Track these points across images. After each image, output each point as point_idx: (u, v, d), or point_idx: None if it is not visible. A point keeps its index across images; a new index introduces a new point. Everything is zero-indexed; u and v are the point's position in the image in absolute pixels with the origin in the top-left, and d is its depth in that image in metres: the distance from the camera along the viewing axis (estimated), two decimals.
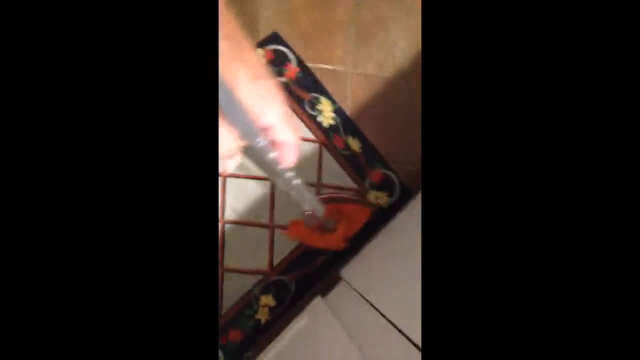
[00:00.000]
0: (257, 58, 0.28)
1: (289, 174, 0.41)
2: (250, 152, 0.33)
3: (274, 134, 0.31)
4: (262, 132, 0.30)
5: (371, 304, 0.60)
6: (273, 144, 0.33)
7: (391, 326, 0.52)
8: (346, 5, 0.84)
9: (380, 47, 0.85)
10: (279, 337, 0.70)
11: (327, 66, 0.83)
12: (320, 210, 0.63)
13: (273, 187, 0.80)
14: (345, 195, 0.83)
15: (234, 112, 0.26)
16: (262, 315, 0.79)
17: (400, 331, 0.50)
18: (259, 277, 0.80)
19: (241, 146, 0.29)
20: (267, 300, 0.80)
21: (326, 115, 0.83)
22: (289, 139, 0.32)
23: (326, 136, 0.83)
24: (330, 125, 0.83)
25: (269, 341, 0.71)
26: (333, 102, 0.83)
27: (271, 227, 0.80)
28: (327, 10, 0.83)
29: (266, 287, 0.80)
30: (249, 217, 0.80)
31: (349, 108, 0.84)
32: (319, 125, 0.83)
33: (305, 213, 0.68)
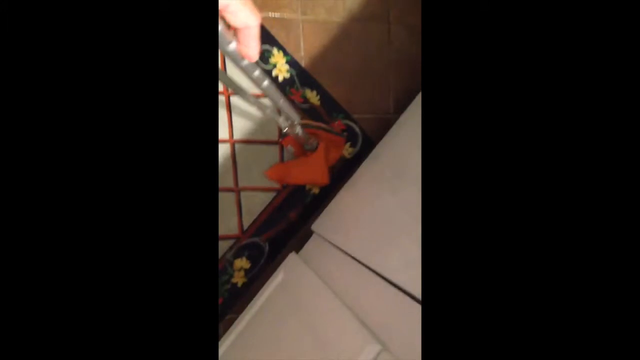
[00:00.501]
0: None
1: (257, 73, 0.36)
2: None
3: (230, 16, 0.25)
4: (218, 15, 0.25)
5: (345, 252, 0.61)
6: (232, 30, 0.27)
7: (365, 268, 0.54)
8: None
9: None
10: (258, 295, 0.71)
11: (275, 14, 0.78)
12: (297, 118, 0.59)
13: (234, 150, 0.77)
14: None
15: None
16: (239, 279, 0.79)
17: (373, 270, 0.52)
18: (230, 241, 0.79)
19: None
20: (242, 263, 0.79)
21: (280, 68, 0.79)
22: (248, 21, 0.26)
23: (283, 91, 0.79)
24: (286, 79, 0.79)
25: (248, 301, 0.72)
26: (285, 53, 0.79)
27: (236, 190, 0.78)
28: None
29: (239, 250, 0.79)
30: None
31: (302, 58, 0.80)
32: (274, 80, 0.79)
33: (283, 131, 0.64)
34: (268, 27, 0.77)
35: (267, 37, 0.77)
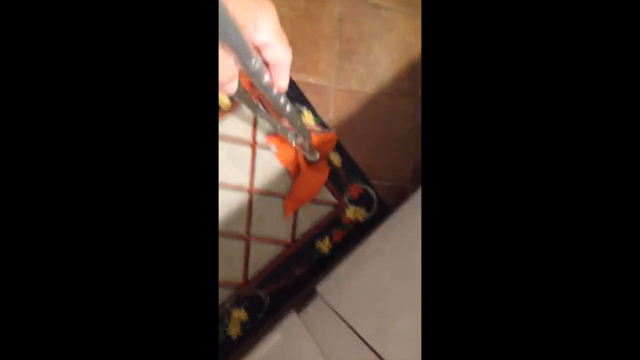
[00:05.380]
0: None
1: (282, 100, 0.42)
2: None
3: (267, 53, 0.29)
4: (256, 51, 0.29)
5: (345, 322, 0.59)
6: (266, 64, 0.31)
7: (364, 345, 0.52)
8: (331, 18, 0.85)
9: (362, 63, 0.86)
10: (250, 353, 0.68)
11: (310, 80, 0.83)
12: (309, 137, 0.70)
13: (251, 199, 0.79)
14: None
15: (228, 31, 0.24)
16: (234, 331, 0.77)
17: (373, 350, 0.50)
18: (231, 290, 0.78)
19: (240, 68, 0.28)
20: (240, 314, 0.77)
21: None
22: (283, 57, 0.30)
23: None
24: None
25: (239, 357, 0.69)
26: (315, 115, 0.83)
27: (247, 238, 0.79)
28: (312, 22, 0.83)
29: (239, 300, 0.78)
30: (225, 227, 0.78)
31: (330, 122, 0.84)
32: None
33: (299, 144, 0.71)
34: (302, 89, 0.82)
35: (300, 99, 0.82)
